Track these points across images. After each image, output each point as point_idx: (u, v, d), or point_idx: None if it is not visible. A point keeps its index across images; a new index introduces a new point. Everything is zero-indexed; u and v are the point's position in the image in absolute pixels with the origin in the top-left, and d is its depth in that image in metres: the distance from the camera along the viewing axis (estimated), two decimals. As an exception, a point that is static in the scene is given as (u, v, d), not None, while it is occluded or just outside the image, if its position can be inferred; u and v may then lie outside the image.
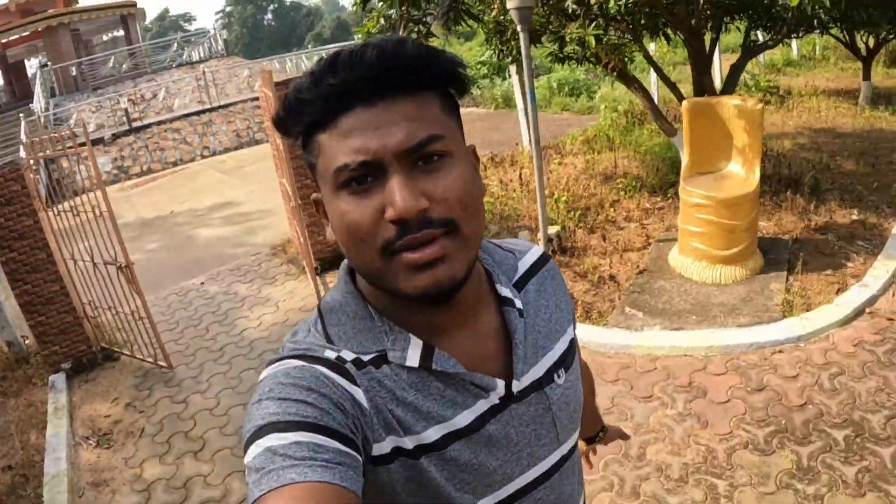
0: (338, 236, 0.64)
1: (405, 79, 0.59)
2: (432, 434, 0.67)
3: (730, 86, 4.94)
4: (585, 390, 0.93)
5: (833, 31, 9.31)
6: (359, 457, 0.60)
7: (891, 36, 9.86)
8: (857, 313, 3.72)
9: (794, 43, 15.42)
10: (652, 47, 9.11)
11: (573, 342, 0.83)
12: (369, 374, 0.67)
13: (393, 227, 0.59)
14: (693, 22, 4.47)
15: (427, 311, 0.68)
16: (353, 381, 0.65)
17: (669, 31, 5.00)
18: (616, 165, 6.93)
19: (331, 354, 0.67)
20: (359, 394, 0.65)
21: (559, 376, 0.77)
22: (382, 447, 0.65)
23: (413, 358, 0.68)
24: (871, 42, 10.02)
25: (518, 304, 0.76)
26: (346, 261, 0.72)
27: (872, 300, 3.85)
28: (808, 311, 3.68)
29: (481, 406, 0.70)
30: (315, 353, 0.66)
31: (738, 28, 5.33)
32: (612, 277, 4.42)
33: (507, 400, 0.72)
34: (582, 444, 1.20)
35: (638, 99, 5.50)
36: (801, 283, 4.05)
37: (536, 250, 0.86)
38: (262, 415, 0.59)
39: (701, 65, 4.81)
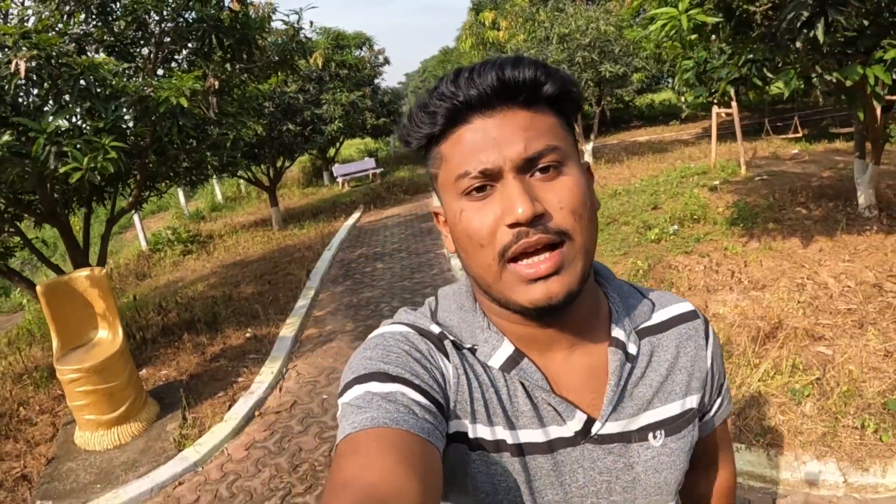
0: (458, 243, 0.67)
1: (521, 94, 0.63)
2: (497, 434, 0.68)
3: (103, 256, 5.31)
4: (722, 485, 0.94)
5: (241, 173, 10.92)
6: (445, 421, 0.65)
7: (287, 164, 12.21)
8: (248, 419, 4.39)
9: (217, 188, 17.44)
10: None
11: (692, 413, 0.77)
12: (464, 357, 0.70)
13: (510, 232, 0.61)
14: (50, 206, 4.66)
15: (532, 324, 0.69)
16: (447, 356, 0.69)
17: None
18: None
19: (435, 329, 0.72)
20: (449, 369, 0.69)
21: (656, 437, 0.73)
22: (450, 426, 0.67)
23: (498, 359, 0.70)
24: (272, 173, 12.12)
25: (630, 348, 0.74)
26: None
27: (261, 402, 4.62)
28: (201, 436, 4.14)
29: (553, 431, 0.70)
30: (422, 326, 0.72)
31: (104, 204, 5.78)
32: (24, 477, 4.07)
33: (583, 437, 0.70)
34: None
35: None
36: (196, 414, 4.49)
37: (685, 306, 0.81)
38: (366, 365, 0.64)
39: (71, 240, 5.02)
